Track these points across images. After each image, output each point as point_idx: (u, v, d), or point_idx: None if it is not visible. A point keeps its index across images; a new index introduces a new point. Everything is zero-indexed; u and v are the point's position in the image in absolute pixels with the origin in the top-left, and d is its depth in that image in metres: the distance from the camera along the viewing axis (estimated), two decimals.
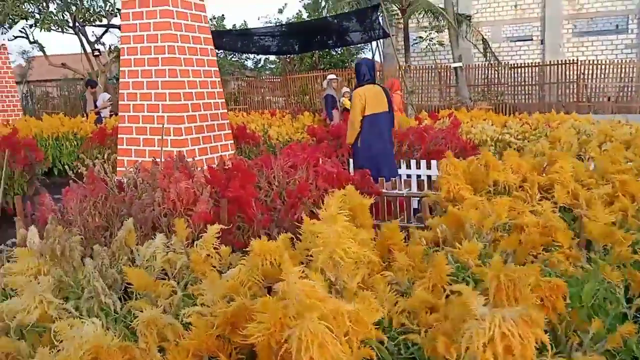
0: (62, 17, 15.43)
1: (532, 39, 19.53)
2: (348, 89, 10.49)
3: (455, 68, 16.12)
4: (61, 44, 64.13)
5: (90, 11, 15.94)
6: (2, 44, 14.44)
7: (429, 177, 5.98)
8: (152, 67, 5.97)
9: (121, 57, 6.19)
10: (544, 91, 17.54)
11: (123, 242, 2.01)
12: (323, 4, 20.48)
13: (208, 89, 6.36)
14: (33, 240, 2.05)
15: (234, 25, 26.47)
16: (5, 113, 14.44)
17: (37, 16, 15.98)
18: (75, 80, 26.63)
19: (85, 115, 10.50)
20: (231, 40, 16.96)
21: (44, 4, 15.34)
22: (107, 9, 16.63)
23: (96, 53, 17.63)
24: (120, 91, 6.25)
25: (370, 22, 15.01)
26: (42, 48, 17.91)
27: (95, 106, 10.85)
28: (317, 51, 20.09)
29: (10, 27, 17.22)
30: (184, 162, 3.69)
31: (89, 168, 3.60)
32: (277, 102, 21.76)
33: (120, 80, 6.23)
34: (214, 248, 1.84)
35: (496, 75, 17.86)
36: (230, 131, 6.74)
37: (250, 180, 3.48)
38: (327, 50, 19.97)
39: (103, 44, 19.35)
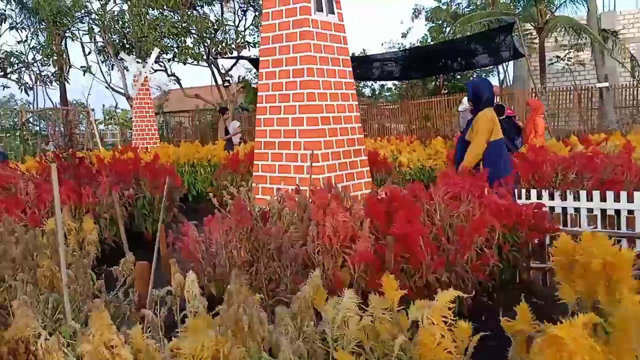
0: (197, 50, 16.33)
1: None
2: None
3: (600, 89, 14.52)
4: (191, 76, 69.57)
5: (223, 44, 16.71)
6: (145, 77, 15.57)
7: (602, 211, 5.06)
8: (290, 91, 5.75)
9: (259, 82, 6.07)
10: None
11: (309, 303, 1.57)
12: (448, 29, 19.75)
13: (345, 113, 6.02)
14: (192, 290, 1.70)
15: (353, 53, 26.58)
16: (144, 141, 15.48)
17: (175, 50, 17.10)
18: (205, 110, 28.31)
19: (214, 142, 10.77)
20: (352, 67, 16.83)
21: (182, 38, 16.37)
22: (238, 41, 17.35)
23: (226, 84, 18.43)
24: (257, 117, 6.12)
25: (502, 42, 14.08)
26: (178, 80, 19.14)
27: (227, 133, 11.11)
28: (441, 75, 19.36)
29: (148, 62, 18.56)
30: (337, 192, 3.26)
31: (236, 198, 3.30)
32: (396, 128, 21.24)
33: (258, 105, 6.09)
34: (444, 319, 1.33)
35: None
36: (366, 157, 6.32)
37: (416, 214, 2.94)
38: (451, 73, 19.16)
39: (231, 76, 20.25)
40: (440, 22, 20.18)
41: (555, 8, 15.43)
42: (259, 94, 6.08)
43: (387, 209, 3.07)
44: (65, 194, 4.71)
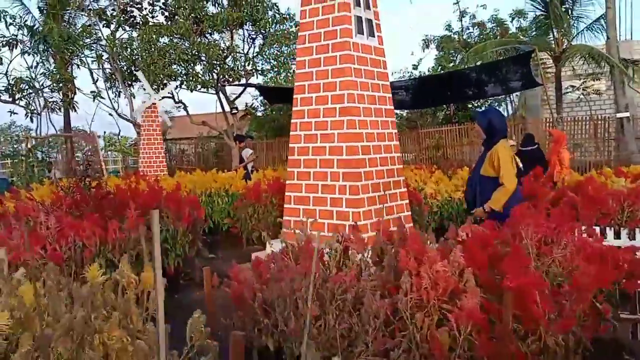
0: (208, 78, 16.05)
1: None
2: (514, 143, 9.31)
3: (621, 119, 14.24)
4: (195, 103, 69.66)
5: (233, 71, 16.46)
6: (153, 103, 15.22)
7: None
8: (329, 118, 5.35)
9: (293, 108, 5.68)
10: None
11: None
12: (459, 57, 19.56)
13: (385, 141, 5.62)
14: None
15: None
16: (151, 169, 15.05)
17: (184, 77, 16.85)
18: (209, 137, 27.95)
19: (235, 170, 10.32)
20: None
21: (192, 65, 16.12)
22: (248, 68, 17.11)
23: (234, 111, 18.12)
24: (290, 145, 5.71)
25: (519, 71, 13.86)
26: (185, 107, 18.85)
27: (242, 161, 10.66)
28: (452, 104, 19.10)
29: (158, 90, 18.27)
30: (416, 237, 2.81)
31: (307, 237, 2.84)
32: (403, 157, 20.88)
33: (292, 133, 5.69)
34: None
35: None
36: (405, 190, 5.90)
37: (527, 263, 2.49)
38: (464, 102, 18.91)
39: (236, 105, 19.88)
40: (451, 51, 20.06)
41: (572, 37, 15.28)
42: (292, 121, 5.68)
43: (489, 256, 2.63)
44: (90, 229, 4.26)
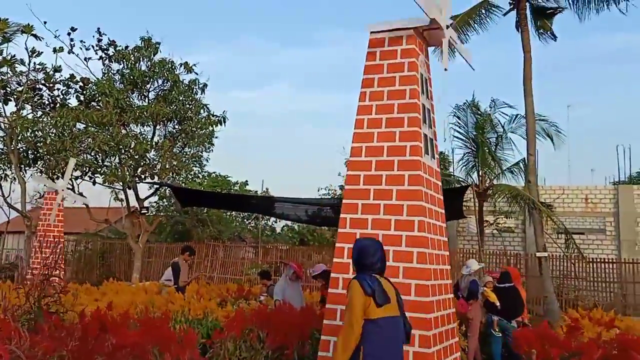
0: (126, 171, 14.32)
1: (604, 234, 18.76)
2: (491, 278, 8.92)
3: (539, 258, 14.83)
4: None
5: (158, 167, 14.97)
6: (56, 192, 12.89)
7: None
8: (391, 247, 4.42)
9: (339, 230, 4.69)
10: (625, 290, 16.30)
11: None
12: None
13: (444, 280, 4.76)
14: None
15: (256, 191, 25.73)
16: (46, 273, 12.29)
17: (95, 168, 14.93)
18: (96, 235, 24.72)
19: (177, 287, 8.60)
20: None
21: (110, 156, 14.37)
22: (167, 166, 15.68)
23: (144, 211, 16.23)
24: (333, 274, 4.63)
25: (452, 203, 14.12)
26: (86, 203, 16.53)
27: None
28: None
29: (53, 179, 15.99)
30: None
31: None
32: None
33: (335, 260, 4.64)
34: None
35: (572, 269, 16.67)
36: (455, 325, 4.98)
37: None
38: None
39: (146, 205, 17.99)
40: None
41: (494, 176, 16.30)
42: (337, 245, 4.66)
43: None
44: None
